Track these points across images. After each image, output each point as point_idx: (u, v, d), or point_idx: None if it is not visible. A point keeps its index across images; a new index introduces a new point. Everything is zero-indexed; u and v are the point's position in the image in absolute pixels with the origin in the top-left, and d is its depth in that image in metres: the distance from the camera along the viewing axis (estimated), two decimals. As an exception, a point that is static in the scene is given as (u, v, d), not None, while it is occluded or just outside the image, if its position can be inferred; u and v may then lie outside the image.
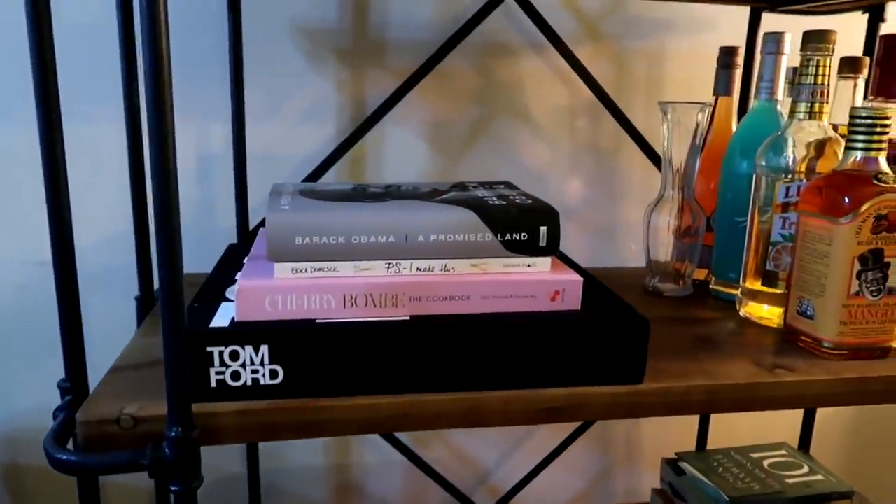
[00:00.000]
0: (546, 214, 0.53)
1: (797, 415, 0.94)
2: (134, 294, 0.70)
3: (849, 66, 0.73)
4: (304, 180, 0.82)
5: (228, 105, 0.78)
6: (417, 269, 0.51)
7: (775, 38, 0.71)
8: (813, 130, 0.64)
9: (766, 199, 0.66)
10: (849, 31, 0.82)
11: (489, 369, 0.50)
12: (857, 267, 0.57)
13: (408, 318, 0.50)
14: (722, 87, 0.78)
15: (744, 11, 0.87)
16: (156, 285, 0.68)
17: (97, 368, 0.52)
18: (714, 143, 0.78)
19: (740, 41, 0.86)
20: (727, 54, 0.77)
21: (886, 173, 0.57)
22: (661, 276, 0.77)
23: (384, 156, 0.86)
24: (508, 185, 0.65)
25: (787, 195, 0.64)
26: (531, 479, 0.96)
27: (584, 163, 0.91)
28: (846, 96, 0.73)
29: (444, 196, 0.57)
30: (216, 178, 0.84)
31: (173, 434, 0.44)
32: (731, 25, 0.88)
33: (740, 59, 0.77)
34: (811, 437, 0.92)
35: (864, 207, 0.56)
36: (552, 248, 0.53)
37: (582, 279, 0.53)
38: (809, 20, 0.86)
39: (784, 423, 0.95)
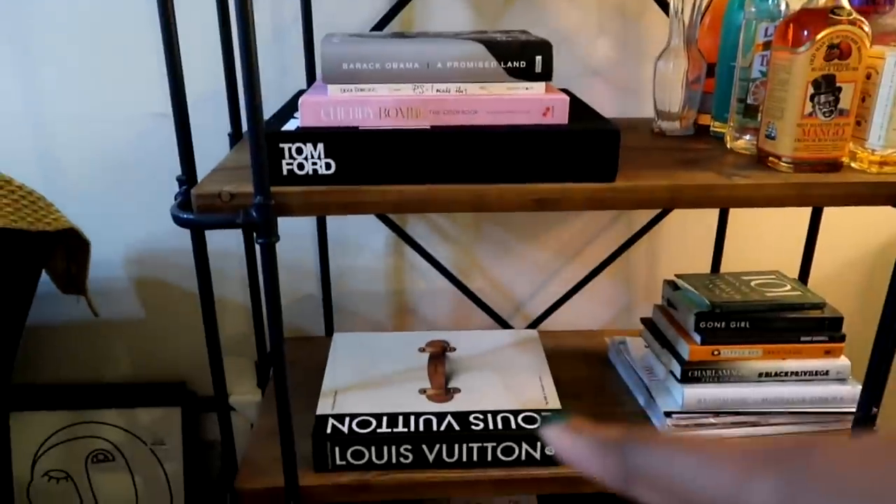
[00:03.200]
0: (542, 46, 0.66)
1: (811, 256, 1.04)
2: (227, 132, 0.89)
3: (845, -83, 0.79)
4: (361, 41, 0.97)
5: (296, -23, 0.93)
6: (437, 90, 0.66)
7: None
8: (795, -24, 0.72)
9: (749, 41, 0.76)
10: None
11: (491, 167, 0.65)
12: (811, 91, 0.67)
13: (428, 126, 0.65)
14: (732, -56, 0.86)
15: None
16: (243, 127, 0.86)
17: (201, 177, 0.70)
18: (719, 2, 0.86)
19: None
20: (737, -88, 0.84)
21: (843, 8, 0.65)
22: (666, 118, 0.88)
23: (430, 19, 0.99)
24: (523, 32, 0.77)
25: (766, 35, 0.74)
26: (560, 306, 1.13)
27: (611, 25, 1.01)
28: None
29: (462, 36, 0.70)
30: (288, 44, 0.99)
31: (258, 201, 0.61)
32: None
33: (749, -83, 0.84)
34: (809, 271, 1.03)
35: (818, 37, 0.65)
36: (546, 75, 0.66)
37: (568, 98, 0.66)
38: None
39: (796, 265, 1.06)
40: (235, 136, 0.88)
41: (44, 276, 0.95)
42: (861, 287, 1.17)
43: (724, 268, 1.10)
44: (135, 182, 1.05)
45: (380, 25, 0.97)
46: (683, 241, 1.13)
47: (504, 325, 1.14)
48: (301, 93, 0.87)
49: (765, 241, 1.12)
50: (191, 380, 1.16)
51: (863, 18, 0.66)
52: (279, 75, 1.00)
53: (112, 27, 0.97)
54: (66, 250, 0.94)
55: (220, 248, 1.04)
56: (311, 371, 0.94)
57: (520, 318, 1.16)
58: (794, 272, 1.04)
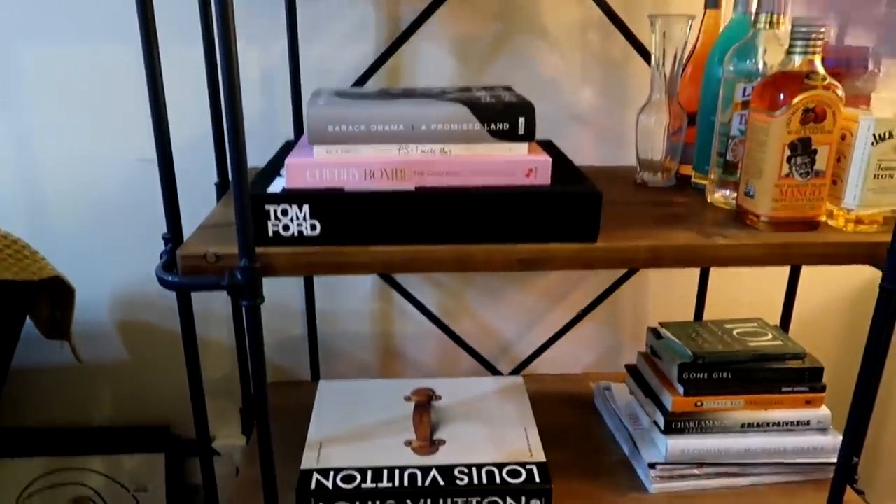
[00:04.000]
0: (525, 108, 0.67)
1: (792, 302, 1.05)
2: (214, 181, 0.89)
3: (820, -21, 0.82)
4: (348, 90, 0.98)
5: (285, 27, 0.94)
6: (421, 151, 0.67)
7: (750, -44, 0.80)
8: (771, 39, 0.74)
9: (728, 99, 0.77)
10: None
11: (476, 228, 0.66)
12: (788, 153, 0.68)
13: (413, 188, 0.66)
14: (711, 0, 0.88)
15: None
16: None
17: (187, 232, 0.70)
18: (702, 52, 0.88)
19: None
20: (716, -30, 0.87)
21: (817, 74, 0.67)
22: (648, 169, 0.89)
23: (417, 68, 1.00)
24: (507, 88, 0.78)
25: (744, 95, 0.75)
26: (546, 349, 1.13)
27: (595, 73, 1.03)
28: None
29: (447, 96, 0.71)
30: (276, 89, 1.00)
31: (243, 264, 0.62)
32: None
33: (728, -25, 0.86)
34: (790, 319, 1.04)
35: (794, 101, 0.67)
36: (529, 136, 0.67)
37: (550, 159, 0.67)
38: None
39: (780, 304, 1.07)
40: (222, 186, 0.88)
41: (27, 319, 0.95)
42: (844, 323, 1.18)
43: (708, 308, 1.11)
44: (121, 225, 1.05)
45: (368, 74, 0.98)
46: (669, 283, 1.14)
47: (491, 368, 1.14)
48: (288, 144, 0.88)
49: (748, 282, 1.14)
50: (175, 423, 1.16)
51: (837, 83, 0.67)
52: (267, 118, 1.01)
53: (99, 73, 0.98)
54: (51, 297, 0.94)
55: (206, 291, 1.04)
56: (297, 418, 0.93)
57: (507, 360, 1.16)
58: (778, 311, 1.05)
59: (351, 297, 1.11)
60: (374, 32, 0.98)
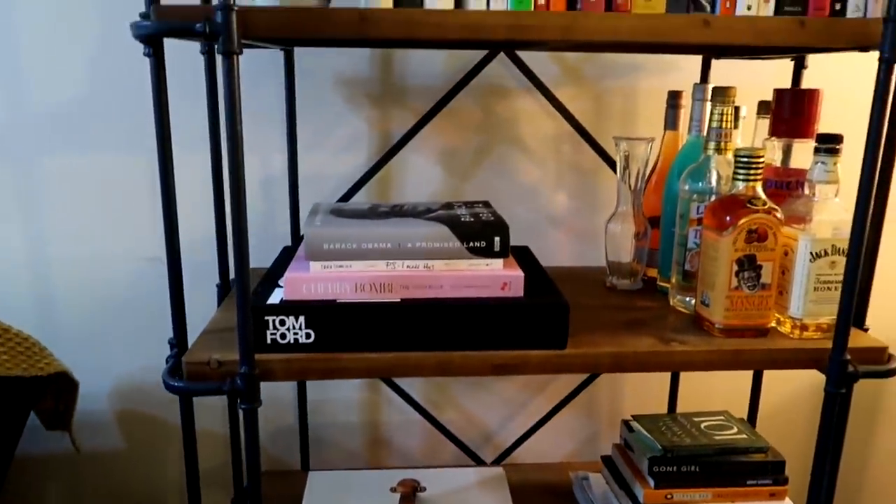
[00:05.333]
0: (500, 228, 0.75)
1: (762, 392, 1.11)
2: (215, 282, 0.96)
3: (764, 108, 0.92)
4: (342, 198, 1.06)
5: (285, 139, 1.03)
6: (407, 266, 0.74)
7: (701, 88, 0.90)
8: (721, 163, 0.83)
9: (685, 215, 0.86)
10: (783, 73, 1.01)
11: (455, 336, 0.72)
12: (736, 268, 0.76)
13: (399, 300, 0.73)
14: (670, 122, 0.98)
15: (698, 57, 1.06)
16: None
17: (192, 333, 0.77)
18: (663, 167, 0.97)
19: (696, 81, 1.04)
20: (673, 97, 0.97)
21: (759, 199, 0.76)
22: (617, 273, 0.97)
23: (405, 177, 1.09)
24: (486, 204, 0.87)
25: (697, 212, 0.84)
26: (528, 437, 1.18)
27: (568, 181, 1.12)
28: (764, 132, 0.91)
29: (431, 214, 0.79)
30: (276, 195, 1.08)
31: (242, 371, 0.68)
32: (691, 67, 1.07)
33: (684, 101, 0.97)
34: (757, 411, 1.10)
35: (739, 223, 0.75)
36: (503, 253, 0.75)
37: (523, 274, 0.74)
38: (751, 63, 1.05)
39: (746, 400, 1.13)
40: (223, 288, 0.95)
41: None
42: (811, 413, 1.24)
43: (682, 397, 1.16)
44: (122, 319, 1.11)
45: (360, 183, 1.06)
46: (645, 373, 1.20)
47: (474, 456, 1.19)
48: (287, 250, 0.96)
49: (720, 373, 1.20)
50: (167, 511, 1.19)
51: (776, 207, 0.76)
52: (267, 223, 1.08)
53: (108, 179, 1.06)
54: (55, 391, 0.99)
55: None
56: (287, 508, 0.97)
57: (490, 448, 1.21)
58: (747, 401, 1.11)
59: (340, 388, 1.16)
60: (366, 145, 1.08)
